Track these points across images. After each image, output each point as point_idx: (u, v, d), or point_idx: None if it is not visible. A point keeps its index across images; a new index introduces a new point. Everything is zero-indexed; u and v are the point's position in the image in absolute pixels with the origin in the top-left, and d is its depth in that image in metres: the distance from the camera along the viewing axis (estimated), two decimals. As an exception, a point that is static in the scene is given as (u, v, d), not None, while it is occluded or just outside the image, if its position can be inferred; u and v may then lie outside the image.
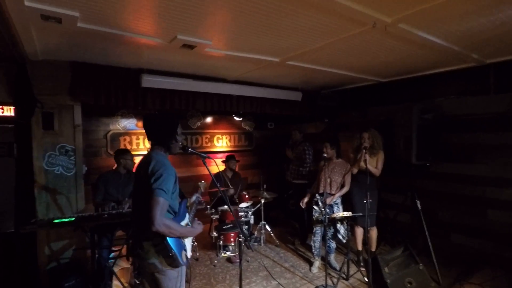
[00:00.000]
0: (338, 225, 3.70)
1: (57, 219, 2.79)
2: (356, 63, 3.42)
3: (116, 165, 3.53)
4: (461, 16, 2.14)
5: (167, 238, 1.79)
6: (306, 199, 3.92)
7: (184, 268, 1.97)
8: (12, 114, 3.80)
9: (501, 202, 3.62)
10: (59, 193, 3.34)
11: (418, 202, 3.66)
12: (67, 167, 3.37)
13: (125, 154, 3.53)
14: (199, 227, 2.06)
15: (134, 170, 4.40)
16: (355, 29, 2.33)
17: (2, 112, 3.85)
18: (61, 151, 3.34)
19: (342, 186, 3.76)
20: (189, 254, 2.02)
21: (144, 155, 1.99)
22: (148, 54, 3.02)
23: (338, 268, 3.71)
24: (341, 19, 2.15)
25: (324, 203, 3.57)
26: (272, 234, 4.70)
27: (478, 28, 2.34)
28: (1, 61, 3.10)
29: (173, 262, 1.85)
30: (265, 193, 4.58)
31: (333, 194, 3.70)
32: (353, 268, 3.65)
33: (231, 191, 4.86)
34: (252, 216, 4.63)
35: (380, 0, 1.90)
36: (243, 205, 4.51)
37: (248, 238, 4.47)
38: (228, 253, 4.03)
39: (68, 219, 2.78)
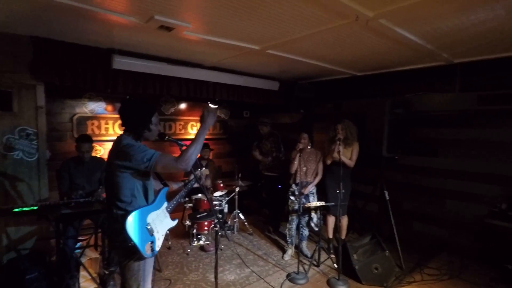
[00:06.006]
0: (312, 214, 3.82)
1: (17, 207, 2.58)
2: (334, 55, 3.45)
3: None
4: (439, 16, 2.22)
5: (127, 228, 1.73)
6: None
7: (148, 261, 1.90)
8: (-37, 92, 3.43)
9: (459, 193, 3.92)
10: (20, 180, 3.09)
11: (386, 192, 3.84)
12: (29, 152, 3.11)
13: (81, 143, 3.19)
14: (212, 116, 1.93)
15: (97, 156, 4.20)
16: (338, 21, 2.33)
17: (-49, 89, 3.45)
18: (21, 134, 3.06)
19: (316, 174, 3.89)
20: (158, 246, 1.94)
21: (114, 141, 1.95)
22: (121, 33, 2.82)
23: (309, 256, 3.83)
24: (325, 10, 2.13)
25: (300, 192, 3.65)
26: (245, 223, 4.74)
27: (452, 28, 2.44)
28: None
29: (132, 253, 1.80)
30: (240, 181, 4.57)
31: (310, 182, 3.82)
32: (323, 255, 3.79)
33: (206, 171, 4.74)
34: (226, 205, 4.62)
35: (364, -7, 1.91)
36: (217, 193, 4.48)
37: (223, 227, 4.46)
38: (201, 242, 4.00)
39: (30, 208, 2.58)
